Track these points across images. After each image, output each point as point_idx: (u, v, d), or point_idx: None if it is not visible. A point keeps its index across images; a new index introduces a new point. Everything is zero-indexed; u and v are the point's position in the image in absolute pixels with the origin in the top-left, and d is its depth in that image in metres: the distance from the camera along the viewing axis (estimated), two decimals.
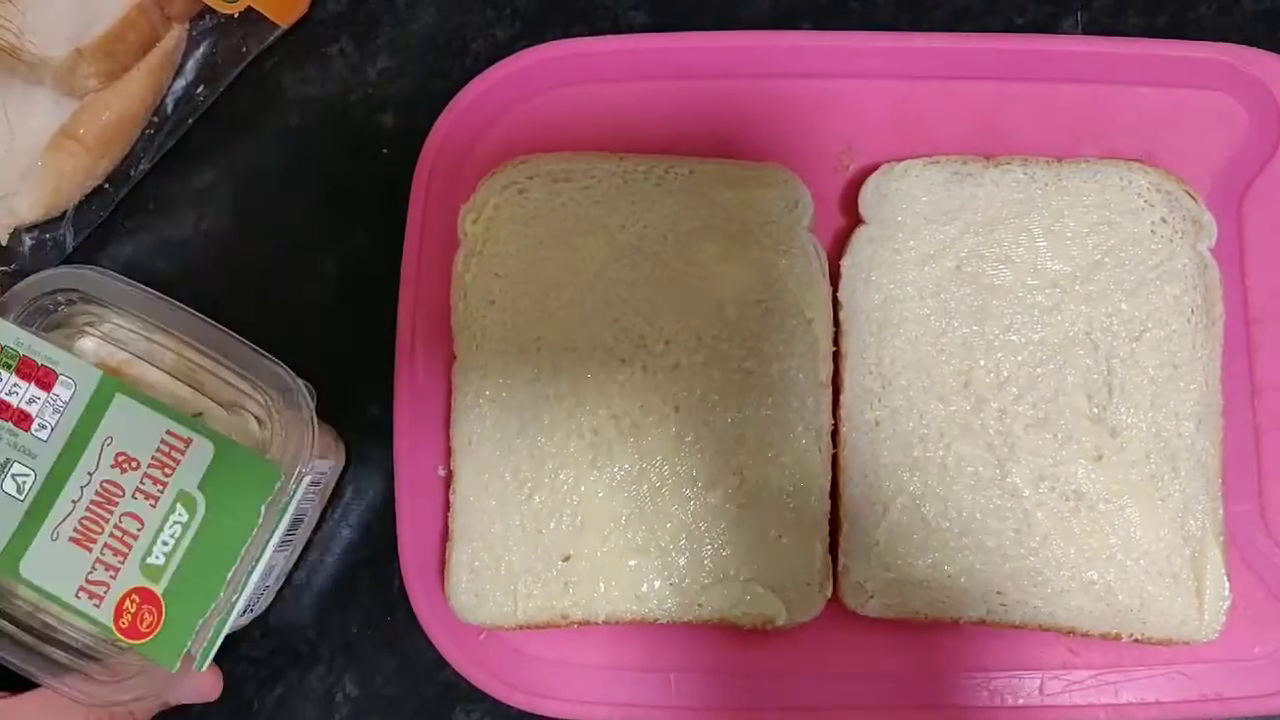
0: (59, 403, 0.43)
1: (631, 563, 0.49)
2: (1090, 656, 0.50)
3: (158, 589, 0.42)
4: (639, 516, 0.49)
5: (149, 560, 0.42)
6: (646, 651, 0.51)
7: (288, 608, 0.54)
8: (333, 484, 0.53)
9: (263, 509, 0.42)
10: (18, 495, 0.42)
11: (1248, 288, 0.52)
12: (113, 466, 0.42)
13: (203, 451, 0.43)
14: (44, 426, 0.43)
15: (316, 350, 0.52)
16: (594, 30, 0.56)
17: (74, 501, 0.42)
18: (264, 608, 0.53)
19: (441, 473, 0.52)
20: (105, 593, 0.42)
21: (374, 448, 0.54)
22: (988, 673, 0.50)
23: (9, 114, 0.53)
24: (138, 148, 0.55)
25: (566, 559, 0.49)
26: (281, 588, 0.53)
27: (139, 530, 0.42)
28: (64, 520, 0.42)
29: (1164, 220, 0.50)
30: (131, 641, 0.41)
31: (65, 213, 0.55)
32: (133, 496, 0.42)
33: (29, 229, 0.55)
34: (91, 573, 0.42)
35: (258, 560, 0.43)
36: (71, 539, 0.42)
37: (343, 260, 0.56)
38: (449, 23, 0.57)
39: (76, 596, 0.42)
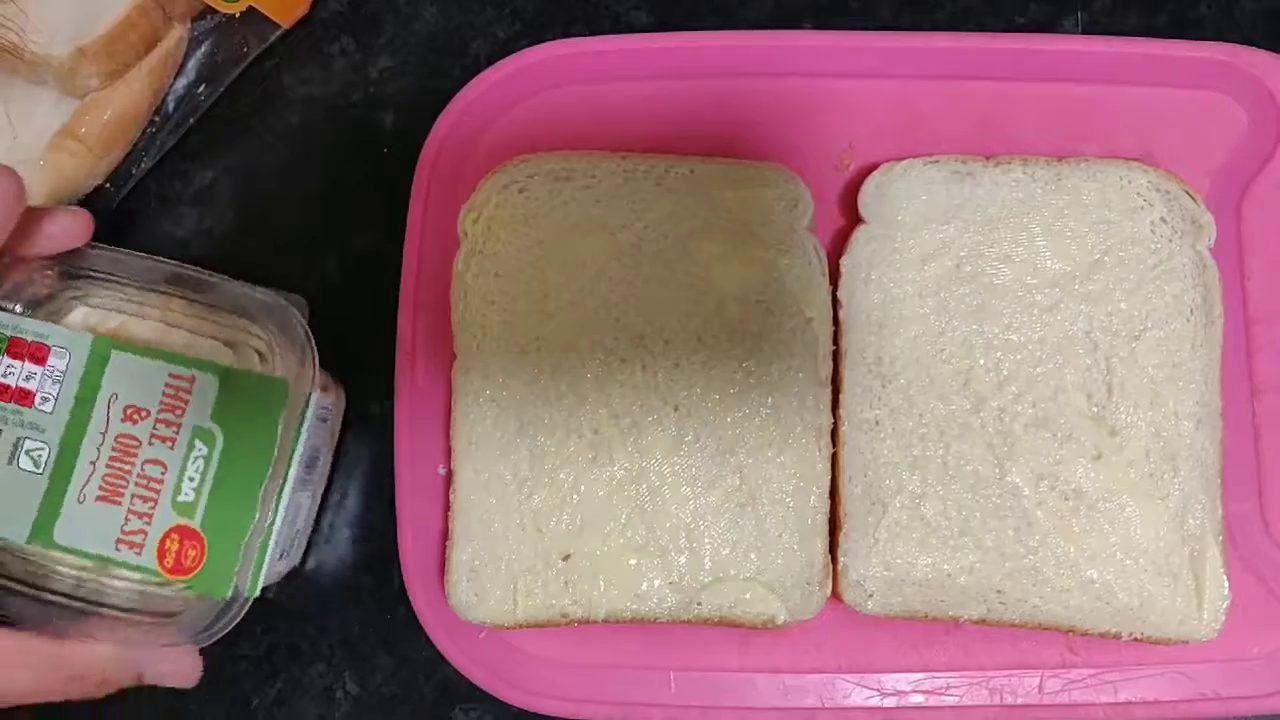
0: (56, 373, 0.43)
1: (631, 562, 0.49)
2: (1090, 655, 0.50)
3: (194, 523, 0.43)
4: (639, 516, 0.49)
5: (180, 498, 0.43)
6: (646, 651, 0.51)
7: (288, 606, 0.54)
8: (339, 425, 0.53)
9: (279, 424, 0.43)
10: (36, 469, 0.43)
11: (1247, 288, 0.52)
12: (123, 421, 0.43)
13: (208, 385, 0.43)
14: (47, 399, 0.43)
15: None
16: (594, 30, 0.56)
17: (93, 463, 0.43)
18: (298, 559, 0.53)
19: (441, 472, 0.52)
20: (144, 540, 0.42)
21: (374, 448, 0.54)
22: (987, 671, 0.50)
23: (11, 113, 0.53)
24: (139, 147, 0.55)
25: (566, 558, 0.49)
26: (282, 585, 0.54)
27: (163, 474, 0.43)
28: (87, 482, 0.43)
29: (1163, 220, 0.50)
30: (179, 578, 0.42)
31: None
32: (149, 443, 0.43)
33: None
34: (126, 524, 0.43)
35: (284, 480, 0.44)
36: (99, 498, 0.43)
37: (343, 260, 0.56)
38: (449, 23, 0.57)
39: (116, 550, 0.42)
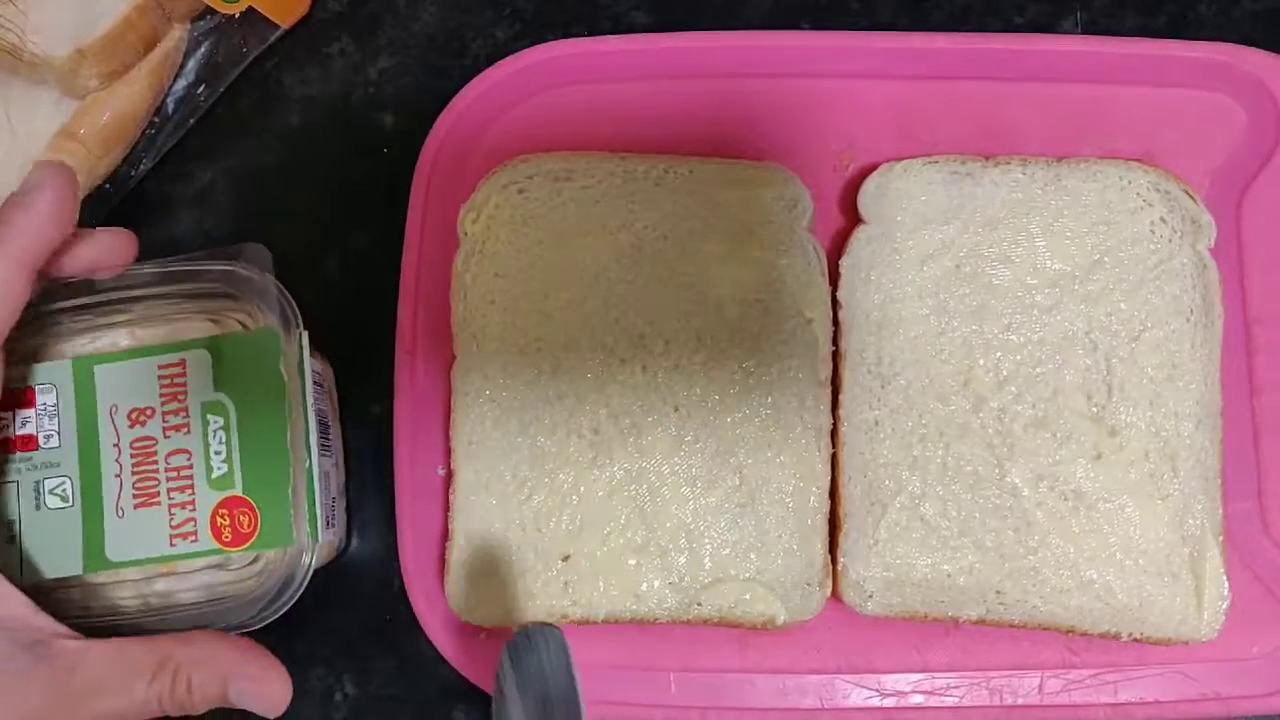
0: (49, 408, 0.44)
1: (631, 562, 0.49)
2: (1089, 656, 0.50)
3: (237, 492, 0.43)
4: (639, 516, 0.49)
5: (214, 476, 0.43)
6: (646, 651, 0.51)
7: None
8: (335, 397, 0.53)
9: (281, 370, 0.43)
10: (65, 503, 0.43)
11: (1247, 288, 0.52)
12: (131, 426, 0.44)
13: (200, 361, 0.44)
14: (50, 435, 0.43)
15: (316, 350, 0.52)
16: (594, 30, 0.56)
17: (118, 476, 0.43)
18: (342, 535, 0.52)
19: (441, 473, 0.52)
20: (194, 527, 0.43)
21: (374, 448, 0.54)
22: (987, 672, 0.50)
23: (11, 114, 0.53)
24: (138, 148, 0.55)
25: (566, 559, 0.49)
26: None
27: (189, 460, 0.43)
28: (120, 495, 0.43)
29: (1163, 220, 0.50)
30: (243, 547, 0.43)
31: None
32: (165, 437, 0.43)
33: None
34: (172, 519, 0.43)
35: (306, 426, 0.44)
36: (137, 506, 0.43)
37: (343, 260, 0.56)
38: (449, 23, 0.57)
39: (172, 545, 0.43)
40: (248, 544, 0.43)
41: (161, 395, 0.44)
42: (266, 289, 0.45)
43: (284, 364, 0.44)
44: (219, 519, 0.43)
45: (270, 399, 0.43)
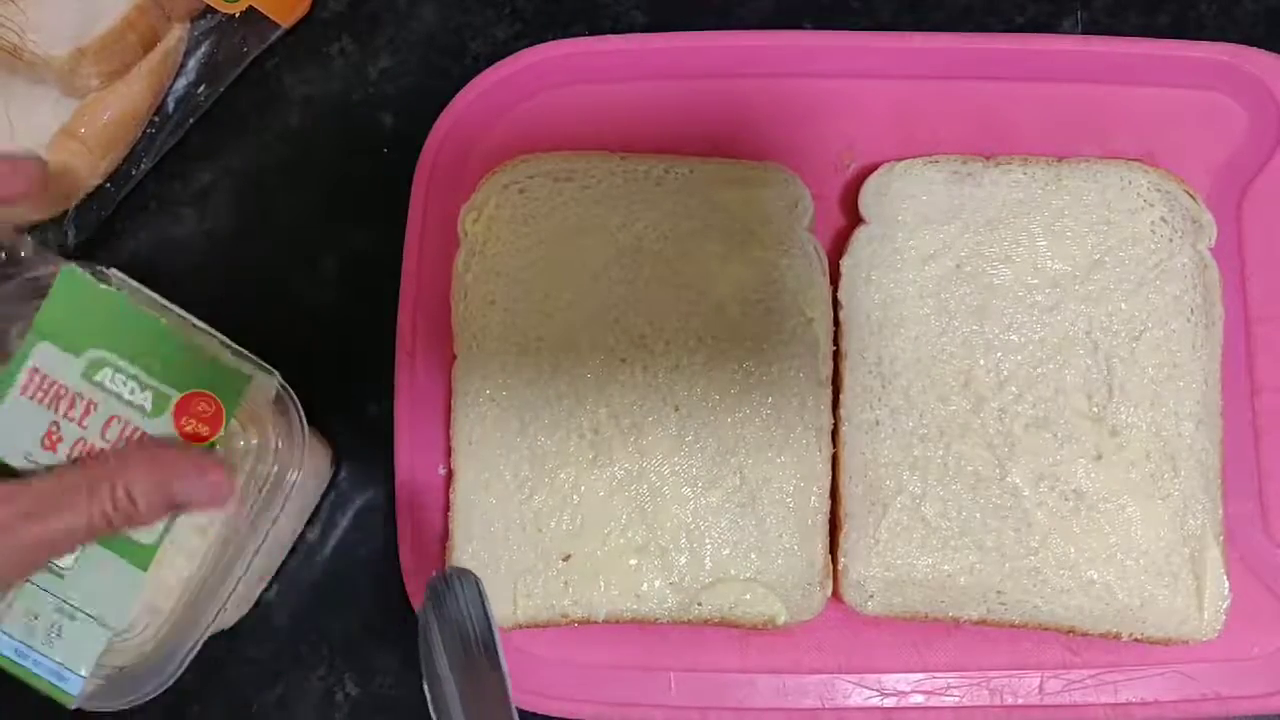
0: None
1: (631, 562, 0.49)
2: (1090, 656, 0.50)
3: (175, 398, 0.42)
4: (639, 516, 0.49)
5: (148, 409, 0.42)
6: (646, 651, 0.51)
7: (287, 607, 0.54)
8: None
9: (101, 288, 0.42)
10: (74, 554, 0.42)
11: (1247, 288, 0.52)
12: (54, 451, 0.41)
13: (46, 353, 0.41)
14: None
15: (317, 350, 0.52)
16: (594, 30, 0.56)
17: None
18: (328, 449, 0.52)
19: (441, 472, 0.52)
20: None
21: (374, 448, 0.54)
22: (988, 672, 0.50)
23: (11, 113, 0.53)
24: (139, 147, 0.55)
25: (566, 558, 0.49)
26: (281, 587, 0.53)
27: (119, 422, 0.42)
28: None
29: (1164, 220, 0.50)
30: (223, 427, 0.42)
31: (66, 212, 0.55)
32: (84, 427, 0.41)
33: (30, 228, 0.55)
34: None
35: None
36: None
37: (343, 260, 0.56)
38: (449, 23, 0.57)
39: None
40: (226, 419, 0.42)
41: (45, 405, 0.41)
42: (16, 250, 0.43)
43: (113, 284, 0.42)
44: (186, 429, 0.42)
45: (119, 313, 0.42)
